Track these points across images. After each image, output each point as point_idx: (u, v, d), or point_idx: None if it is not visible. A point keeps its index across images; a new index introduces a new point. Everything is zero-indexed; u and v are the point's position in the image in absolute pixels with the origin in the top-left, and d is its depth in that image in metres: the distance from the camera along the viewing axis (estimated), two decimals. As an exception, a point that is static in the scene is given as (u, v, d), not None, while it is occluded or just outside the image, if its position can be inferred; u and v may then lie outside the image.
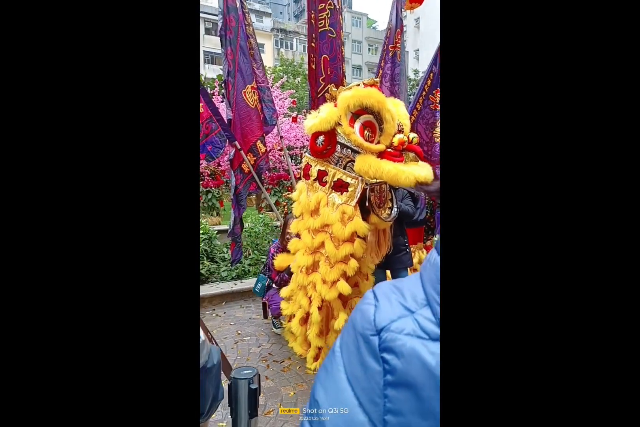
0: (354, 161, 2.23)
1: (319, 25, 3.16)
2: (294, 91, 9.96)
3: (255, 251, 4.99)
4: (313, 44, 3.22)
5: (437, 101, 4.30)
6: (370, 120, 2.17)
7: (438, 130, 4.29)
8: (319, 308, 2.49)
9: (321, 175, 2.38)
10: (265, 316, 3.35)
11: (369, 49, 32.42)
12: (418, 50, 21.34)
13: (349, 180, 2.30)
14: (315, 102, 3.21)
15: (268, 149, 7.15)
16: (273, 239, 4.96)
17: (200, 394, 0.65)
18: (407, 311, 0.37)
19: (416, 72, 16.00)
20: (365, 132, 2.20)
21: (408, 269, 3.16)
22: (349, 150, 2.26)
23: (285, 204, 5.61)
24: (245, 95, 3.17)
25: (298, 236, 2.59)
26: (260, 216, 6.02)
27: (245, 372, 0.85)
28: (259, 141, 3.39)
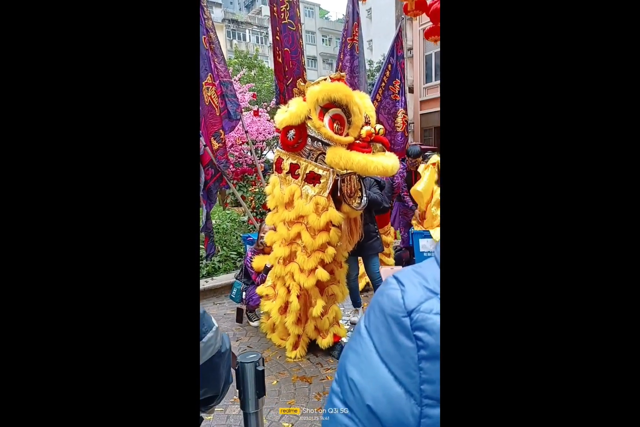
0: (324, 153, 2.30)
1: (280, 18, 3.17)
2: (253, 84, 9.82)
3: (224, 248, 4.96)
4: (278, 37, 3.23)
5: (397, 91, 4.45)
6: (339, 113, 2.24)
7: (399, 119, 4.44)
8: (298, 296, 2.56)
9: (293, 168, 2.44)
10: (239, 320, 3.37)
11: (323, 39, 32.32)
12: (371, 40, 21.50)
13: (320, 172, 2.37)
14: (284, 95, 3.24)
15: (230, 144, 7.06)
16: (241, 235, 4.94)
17: (216, 377, 0.69)
18: (432, 293, 0.41)
19: (370, 62, 16.17)
20: (335, 125, 2.27)
21: (378, 254, 3.30)
22: (320, 143, 2.32)
23: (252, 198, 5.59)
24: (203, 92, 3.13)
25: (273, 228, 2.64)
26: (227, 212, 5.97)
27: (250, 356, 0.90)
28: (212, 138, 3.36)
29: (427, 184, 3.68)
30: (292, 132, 2.35)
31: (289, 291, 2.59)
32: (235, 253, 4.88)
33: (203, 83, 3.11)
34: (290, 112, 2.29)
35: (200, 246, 4.51)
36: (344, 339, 2.80)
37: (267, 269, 3.00)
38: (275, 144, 10.68)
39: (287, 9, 3.30)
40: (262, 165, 6.35)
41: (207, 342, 0.63)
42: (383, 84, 4.45)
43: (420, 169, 3.91)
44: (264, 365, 0.91)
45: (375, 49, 20.90)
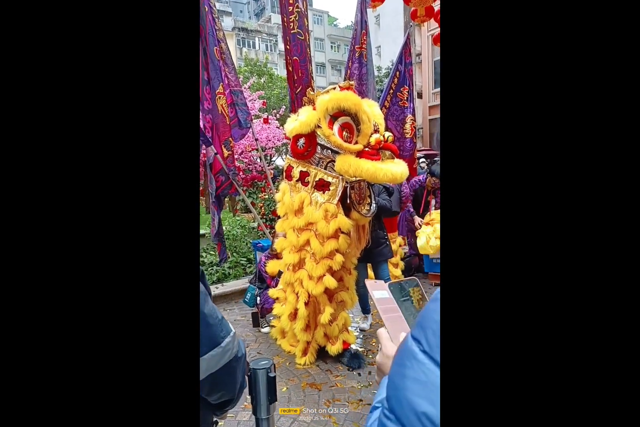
0: (334, 161, 2.33)
1: (290, 28, 3.23)
2: (263, 92, 9.94)
3: (234, 254, 5.00)
4: (288, 47, 3.30)
5: (405, 98, 4.48)
6: (348, 121, 2.27)
7: (407, 126, 4.46)
8: (306, 303, 2.58)
9: (303, 176, 2.47)
10: (256, 325, 3.39)
11: (331, 46, 32.59)
12: (379, 46, 21.65)
13: (330, 179, 2.40)
14: (295, 104, 3.30)
15: (240, 151, 7.14)
16: (251, 241, 4.98)
17: (233, 381, 0.71)
18: None
19: (379, 68, 16.27)
20: (344, 133, 2.30)
21: (387, 260, 3.30)
22: (329, 151, 2.35)
23: (262, 205, 5.65)
24: (216, 102, 3.20)
25: (284, 235, 2.66)
26: (237, 218, 6.02)
27: (262, 362, 0.92)
28: (222, 146, 3.42)
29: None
30: (302, 140, 2.39)
31: (298, 298, 2.61)
32: (245, 259, 4.92)
33: (216, 93, 3.18)
34: (300, 121, 2.33)
35: (213, 252, 4.55)
36: (353, 346, 2.80)
37: (281, 274, 3.03)
38: (284, 150, 10.76)
39: (296, 18, 3.36)
40: (272, 171, 6.41)
41: (225, 347, 0.65)
42: (391, 90, 4.48)
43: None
44: (275, 371, 0.93)
45: (384, 55, 21.00)
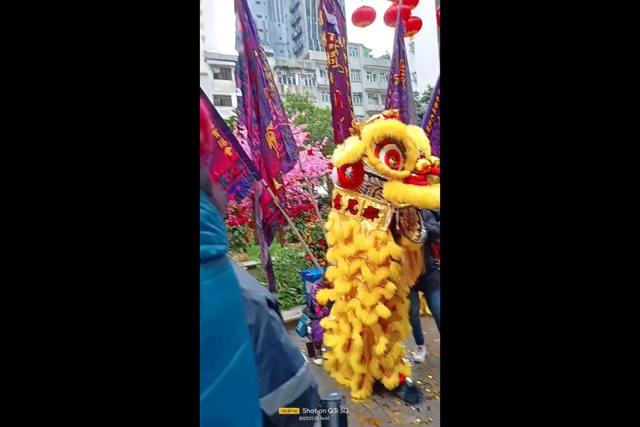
0: (382, 188, 2.35)
1: (331, 63, 3.40)
2: (306, 125, 10.34)
3: (284, 284, 5.02)
4: (332, 81, 3.46)
5: (447, 123, 4.48)
6: (394, 149, 2.30)
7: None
8: (361, 334, 2.52)
9: (352, 204, 2.49)
10: (312, 354, 3.35)
11: (367, 76, 33.48)
12: (415, 73, 22.04)
13: (378, 206, 2.40)
14: (338, 134, 3.41)
15: (286, 183, 7.37)
16: (300, 271, 5.00)
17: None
18: None
19: (416, 94, 16.47)
20: (390, 160, 2.32)
21: (439, 287, 3.19)
22: (377, 178, 2.37)
23: (308, 234, 5.71)
24: (266, 138, 3.39)
25: (334, 264, 2.67)
26: (285, 248, 6.11)
27: (332, 394, 0.91)
28: (274, 179, 3.56)
29: None
30: (349, 169, 2.43)
31: (352, 328, 2.56)
32: (294, 289, 4.92)
33: (266, 130, 3.36)
34: (347, 151, 2.38)
35: (263, 283, 4.61)
36: (409, 379, 2.68)
37: (330, 303, 3.00)
38: (325, 179, 10.95)
39: (337, 54, 3.53)
40: (317, 201, 6.53)
41: (301, 377, 0.65)
42: (432, 115, 4.50)
43: None
44: (345, 404, 0.91)
45: (420, 81, 21.26)
